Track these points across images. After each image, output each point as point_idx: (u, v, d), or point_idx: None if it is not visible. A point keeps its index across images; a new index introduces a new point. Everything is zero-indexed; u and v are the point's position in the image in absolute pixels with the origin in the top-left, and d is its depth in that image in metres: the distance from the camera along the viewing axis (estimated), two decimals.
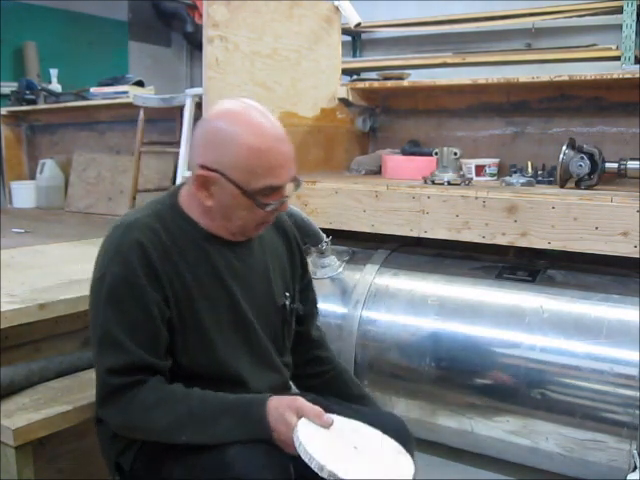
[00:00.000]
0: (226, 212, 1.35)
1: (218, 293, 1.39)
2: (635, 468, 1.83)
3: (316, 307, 1.71)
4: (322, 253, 2.47)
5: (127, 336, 1.28)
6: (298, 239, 1.63)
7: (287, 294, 1.53)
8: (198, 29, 5.56)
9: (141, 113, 3.38)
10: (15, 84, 4.61)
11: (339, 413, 1.34)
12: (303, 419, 1.22)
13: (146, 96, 3.47)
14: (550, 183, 2.61)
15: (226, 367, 1.39)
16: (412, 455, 1.37)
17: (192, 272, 1.36)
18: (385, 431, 1.36)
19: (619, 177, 2.44)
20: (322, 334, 1.71)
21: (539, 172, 2.71)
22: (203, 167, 1.32)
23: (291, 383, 1.59)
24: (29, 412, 1.57)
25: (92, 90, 4.17)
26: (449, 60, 4.29)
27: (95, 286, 1.34)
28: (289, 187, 1.39)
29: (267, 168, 1.30)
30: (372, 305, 2.38)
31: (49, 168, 4.39)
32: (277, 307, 1.50)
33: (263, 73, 2.62)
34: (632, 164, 2.37)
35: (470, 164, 2.82)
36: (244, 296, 1.43)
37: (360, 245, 2.65)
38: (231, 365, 1.39)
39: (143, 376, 1.29)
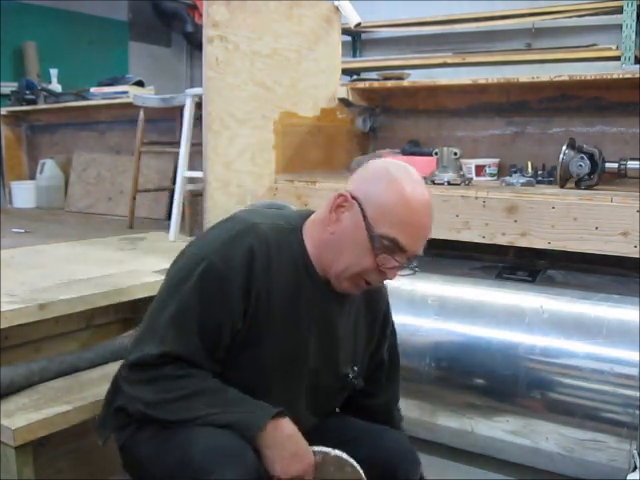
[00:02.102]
0: (340, 245, 1.33)
1: (291, 330, 1.37)
2: (635, 468, 1.83)
3: (392, 393, 1.62)
4: None
5: (197, 331, 1.28)
6: (386, 317, 1.58)
7: (355, 368, 1.49)
8: (198, 29, 5.55)
9: (141, 113, 3.38)
10: (15, 84, 4.61)
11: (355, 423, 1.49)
12: None
13: (146, 96, 3.47)
14: (550, 183, 2.61)
15: (264, 399, 1.35)
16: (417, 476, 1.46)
17: (281, 298, 1.34)
18: (387, 448, 1.43)
19: (619, 177, 2.43)
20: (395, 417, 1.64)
21: (539, 172, 2.71)
22: (349, 192, 1.33)
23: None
24: (29, 412, 1.58)
25: (92, 90, 4.17)
26: (449, 60, 4.29)
27: (191, 261, 1.32)
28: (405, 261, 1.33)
29: (402, 221, 1.29)
30: None
31: (49, 168, 4.39)
32: (339, 375, 1.47)
33: (263, 73, 2.61)
34: (632, 164, 2.37)
35: (470, 164, 2.82)
36: (314, 346, 1.40)
37: None
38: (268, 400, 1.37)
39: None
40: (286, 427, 1.29)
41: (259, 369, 1.36)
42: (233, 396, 1.30)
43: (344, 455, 1.35)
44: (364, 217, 1.29)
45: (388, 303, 1.60)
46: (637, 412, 1.89)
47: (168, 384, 1.28)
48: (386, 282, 1.51)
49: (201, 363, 1.30)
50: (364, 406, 1.58)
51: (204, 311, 1.28)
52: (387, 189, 1.30)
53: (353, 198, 1.31)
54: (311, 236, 1.39)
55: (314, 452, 1.31)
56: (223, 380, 1.32)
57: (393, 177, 1.31)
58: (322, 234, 1.36)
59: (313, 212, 1.45)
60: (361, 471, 1.35)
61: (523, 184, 2.51)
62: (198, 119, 2.65)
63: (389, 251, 1.30)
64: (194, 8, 5.64)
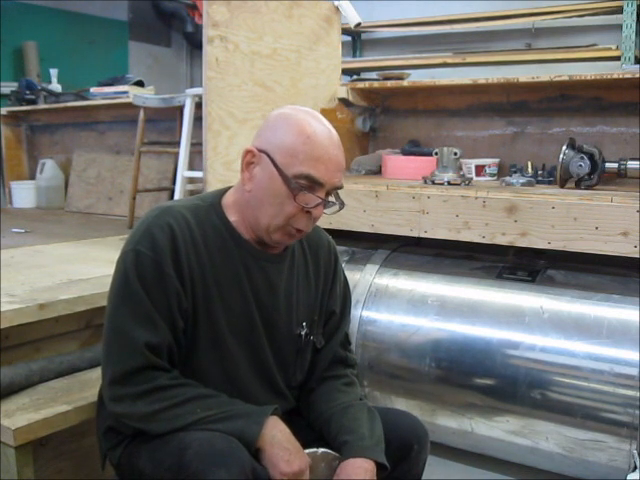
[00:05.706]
0: (260, 199, 1.34)
1: (235, 299, 1.38)
2: (635, 468, 1.83)
3: (333, 344, 1.55)
4: None
5: (158, 315, 1.30)
6: (335, 267, 1.56)
7: (304, 324, 1.49)
8: (198, 29, 5.57)
9: (141, 113, 3.38)
10: (15, 84, 4.61)
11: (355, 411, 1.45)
12: None
13: (146, 96, 3.47)
14: (550, 183, 2.61)
15: (233, 373, 1.39)
16: (427, 449, 1.50)
17: (214, 270, 1.36)
18: (399, 426, 1.45)
19: (619, 177, 2.44)
20: (332, 376, 1.54)
21: (539, 172, 2.72)
22: (254, 146, 1.35)
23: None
24: (29, 412, 1.58)
25: (92, 90, 4.17)
26: (449, 60, 4.29)
27: (124, 258, 1.33)
28: (329, 197, 1.35)
29: (310, 157, 1.30)
30: (372, 305, 2.38)
31: (49, 168, 4.39)
32: (292, 335, 1.47)
33: (263, 73, 2.61)
34: (632, 164, 2.38)
35: (470, 164, 2.82)
36: (260, 312, 1.41)
37: (360, 245, 2.65)
38: (237, 372, 1.39)
39: (165, 362, 1.31)
40: (282, 425, 1.31)
41: (220, 347, 1.37)
42: (227, 399, 1.32)
43: (330, 450, 1.37)
44: (275, 165, 1.31)
45: (334, 251, 1.59)
46: (637, 412, 1.90)
47: (162, 394, 1.28)
48: (329, 237, 1.57)
49: (174, 349, 1.32)
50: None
51: (151, 297, 1.29)
52: (288, 131, 1.32)
53: (260, 151, 1.33)
54: (232, 205, 1.41)
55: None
56: (194, 372, 1.35)
57: (291, 120, 1.33)
58: (242, 196, 1.38)
59: (231, 187, 1.46)
60: None
61: (523, 184, 2.51)
62: (198, 119, 2.64)
63: (307, 189, 1.31)
64: (194, 8, 5.65)
